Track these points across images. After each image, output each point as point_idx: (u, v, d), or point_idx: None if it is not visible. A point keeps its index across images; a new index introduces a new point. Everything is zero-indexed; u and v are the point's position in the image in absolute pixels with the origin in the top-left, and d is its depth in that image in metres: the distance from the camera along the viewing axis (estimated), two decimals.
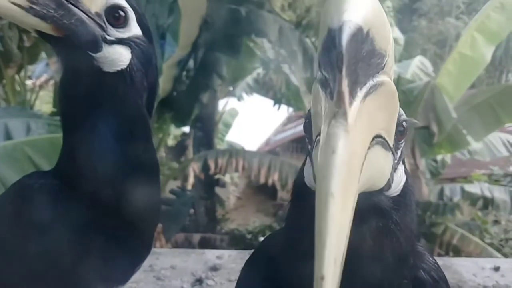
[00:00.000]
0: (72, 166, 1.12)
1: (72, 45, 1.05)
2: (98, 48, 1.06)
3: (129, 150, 1.12)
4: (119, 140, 1.10)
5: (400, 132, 0.82)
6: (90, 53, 1.05)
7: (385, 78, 0.71)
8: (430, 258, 0.98)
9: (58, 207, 1.08)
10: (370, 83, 0.68)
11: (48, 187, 1.11)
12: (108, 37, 1.08)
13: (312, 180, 0.79)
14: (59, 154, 1.18)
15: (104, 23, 1.08)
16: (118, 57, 1.09)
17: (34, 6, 0.98)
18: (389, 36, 0.72)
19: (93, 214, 1.07)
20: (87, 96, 1.09)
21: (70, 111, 1.14)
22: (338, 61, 0.64)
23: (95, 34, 1.06)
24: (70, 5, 1.03)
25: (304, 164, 0.88)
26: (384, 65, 0.71)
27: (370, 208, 0.78)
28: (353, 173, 0.63)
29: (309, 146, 0.81)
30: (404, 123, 0.83)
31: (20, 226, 1.10)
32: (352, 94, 0.65)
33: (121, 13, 1.10)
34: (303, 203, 0.81)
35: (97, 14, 1.07)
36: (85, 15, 1.05)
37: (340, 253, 0.58)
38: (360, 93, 0.67)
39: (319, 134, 0.67)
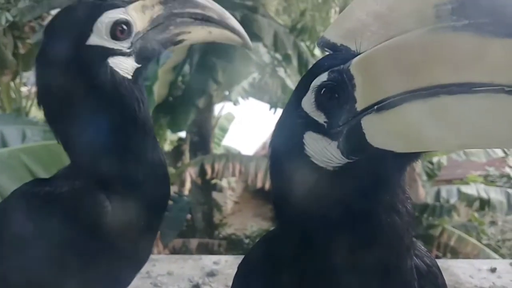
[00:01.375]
0: (85, 170, 1.14)
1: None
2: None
3: (138, 151, 1.19)
4: (132, 141, 1.17)
5: None
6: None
7: None
8: (421, 246, 0.98)
9: (65, 215, 1.09)
10: None
11: (53, 194, 1.12)
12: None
13: (331, 158, 0.80)
14: (71, 158, 1.20)
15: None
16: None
17: None
18: None
19: (98, 221, 1.08)
20: (105, 99, 1.13)
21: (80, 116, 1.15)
22: None
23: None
24: None
25: (293, 150, 0.85)
26: None
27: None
28: None
29: (326, 120, 0.81)
30: None
31: (27, 232, 1.10)
32: None
33: None
34: (319, 182, 0.81)
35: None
36: None
37: None
38: None
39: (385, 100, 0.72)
